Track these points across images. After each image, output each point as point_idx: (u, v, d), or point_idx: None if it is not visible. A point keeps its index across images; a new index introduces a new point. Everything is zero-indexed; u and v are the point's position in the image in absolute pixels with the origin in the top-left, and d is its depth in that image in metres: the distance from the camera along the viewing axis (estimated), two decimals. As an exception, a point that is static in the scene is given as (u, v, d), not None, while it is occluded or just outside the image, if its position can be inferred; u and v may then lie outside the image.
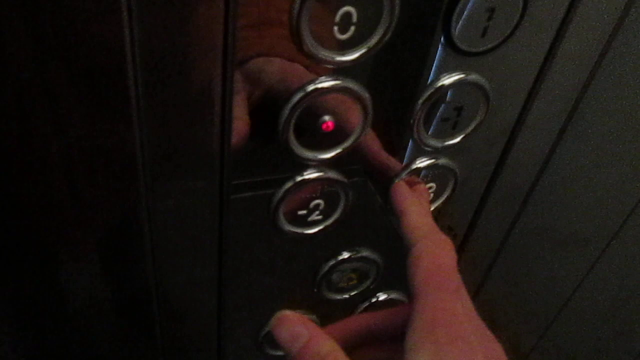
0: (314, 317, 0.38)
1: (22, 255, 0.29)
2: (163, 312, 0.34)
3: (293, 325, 0.24)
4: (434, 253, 0.25)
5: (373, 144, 0.28)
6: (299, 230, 0.31)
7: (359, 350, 0.27)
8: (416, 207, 0.26)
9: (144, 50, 0.22)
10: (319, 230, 0.31)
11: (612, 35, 0.30)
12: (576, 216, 0.41)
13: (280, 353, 0.39)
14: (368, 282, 0.37)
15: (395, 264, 0.37)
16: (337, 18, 0.23)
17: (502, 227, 0.39)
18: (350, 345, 0.24)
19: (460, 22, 0.26)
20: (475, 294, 0.45)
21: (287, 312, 0.24)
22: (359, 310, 0.39)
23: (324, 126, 0.27)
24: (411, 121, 0.29)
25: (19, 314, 0.32)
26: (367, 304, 0.39)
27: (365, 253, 0.35)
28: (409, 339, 0.23)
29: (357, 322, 0.27)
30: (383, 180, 0.30)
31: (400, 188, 0.28)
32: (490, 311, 0.49)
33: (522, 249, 0.42)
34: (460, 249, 0.40)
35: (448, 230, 0.38)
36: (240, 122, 0.25)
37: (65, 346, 0.35)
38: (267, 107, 0.26)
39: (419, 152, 0.31)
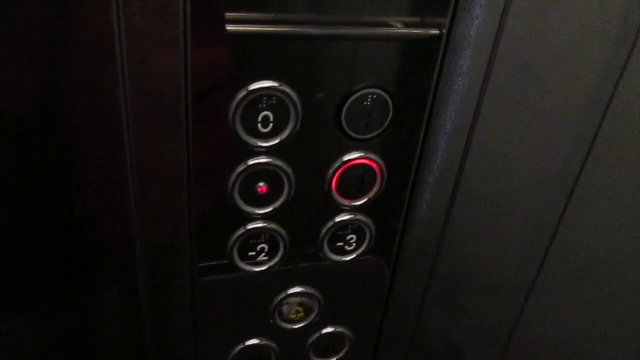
0: (273, 344, 0.48)
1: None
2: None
3: None
4: None
5: None
6: (249, 268, 0.42)
7: None
8: None
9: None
10: (266, 269, 0.43)
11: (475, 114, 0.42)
12: (487, 265, 0.51)
13: (246, 374, 0.49)
14: (313, 315, 0.47)
15: (335, 301, 0.48)
16: (259, 118, 0.36)
17: (420, 277, 0.49)
18: None
19: (349, 119, 0.38)
20: (408, 348, 0.54)
21: None
22: (310, 341, 0.49)
23: (259, 189, 0.39)
24: (325, 187, 0.41)
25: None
26: (317, 334, 0.49)
27: (306, 289, 0.45)
28: None
29: None
30: None
31: None
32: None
33: (445, 297, 0.52)
34: (386, 301, 0.50)
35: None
36: None
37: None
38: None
39: (340, 210, 0.43)
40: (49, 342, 0.42)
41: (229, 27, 0.33)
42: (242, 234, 0.40)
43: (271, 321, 0.46)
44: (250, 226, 0.40)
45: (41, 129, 0.33)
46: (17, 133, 0.33)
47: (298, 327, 0.48)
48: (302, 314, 0.47)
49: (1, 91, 0.31)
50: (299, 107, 0.36)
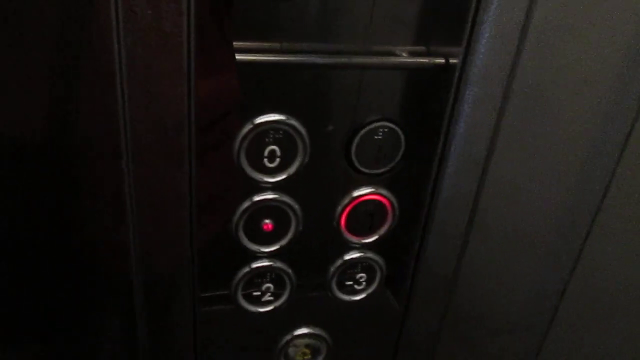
0: (278, 388, 0.46)
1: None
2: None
3: None
4: None
5: None
6: (254, 309, 0.40)
7: None
8: None
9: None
10: (273, 309, 0.41)
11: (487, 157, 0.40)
12: (503, 303, 0.49)
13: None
14: (321, 358, 0.45)
15: (344, 343, 0.45)
16: (266, 153, 0.34)
17: (433, 317, 0.47)
18: None
19: (359, 153, 0.36)
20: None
21: None
22: (317, 385, 0.47)
23: (265, 227, 0.37)
24: (334, 224, 0.39)
25: None
26: (324, 378, 0.46)
27: (314, 330, 0.43)
28: None
29: None
30: None
31: None
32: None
33: (460, 337, 0.49)
34: (397, 342, 0.47)
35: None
36: None
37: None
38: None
39: (350, 248, 0.41)
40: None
41: (237, 56, 0.31)
42: (247, 273, 0.39)
43: (276, 364, 0.44)
44: (255, 265, 0.39)
45: (40, 159, 0.32)
46: (17, 163, 0.31)
47: (305, 371, 0.45)
48: (309, 356, 0.45)
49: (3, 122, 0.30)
50: (307, 141, 0.35)
